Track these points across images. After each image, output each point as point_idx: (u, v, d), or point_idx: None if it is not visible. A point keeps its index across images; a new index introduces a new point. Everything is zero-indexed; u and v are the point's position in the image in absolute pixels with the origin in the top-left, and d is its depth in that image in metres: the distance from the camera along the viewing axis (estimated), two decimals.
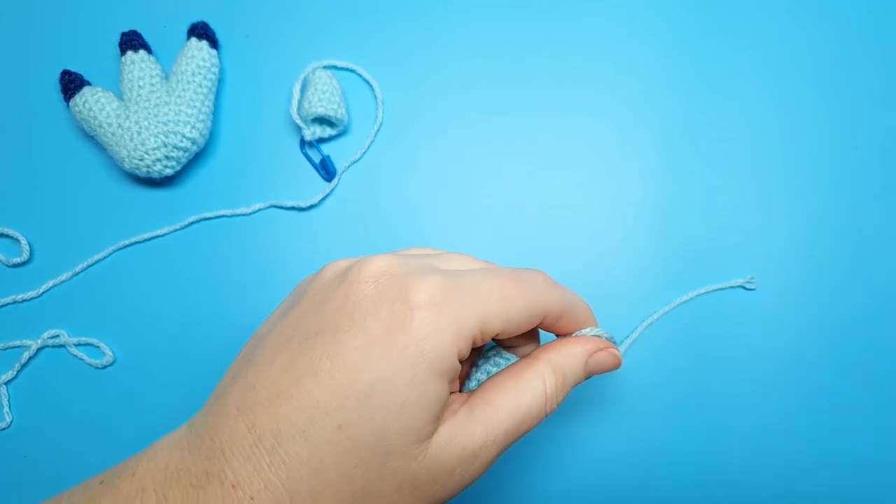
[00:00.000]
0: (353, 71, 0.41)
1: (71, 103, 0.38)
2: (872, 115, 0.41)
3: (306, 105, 0.38)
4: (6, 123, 0.40)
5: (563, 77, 0.41)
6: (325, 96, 0.38)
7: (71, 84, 0.38)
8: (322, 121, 0.40)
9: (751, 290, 0.39)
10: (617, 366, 0.28)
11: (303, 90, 0.39)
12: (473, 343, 0.23)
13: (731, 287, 0.38)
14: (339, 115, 0.39)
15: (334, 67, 0.41)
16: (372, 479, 0.21)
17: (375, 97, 0.41)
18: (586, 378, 0.27)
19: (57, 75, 0.39)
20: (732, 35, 0.42)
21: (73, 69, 0.39)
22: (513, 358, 0.27)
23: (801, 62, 0.42)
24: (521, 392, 0.24)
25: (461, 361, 0.23)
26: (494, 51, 0.41)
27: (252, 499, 0.20)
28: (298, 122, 0.39)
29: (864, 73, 0.41)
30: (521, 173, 0.40)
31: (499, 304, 0.23)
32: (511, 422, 0.24)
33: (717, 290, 0.37)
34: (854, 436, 0.38)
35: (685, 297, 0.36)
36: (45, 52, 0.41)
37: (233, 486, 0.20)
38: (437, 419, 0.22)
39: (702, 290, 0.38)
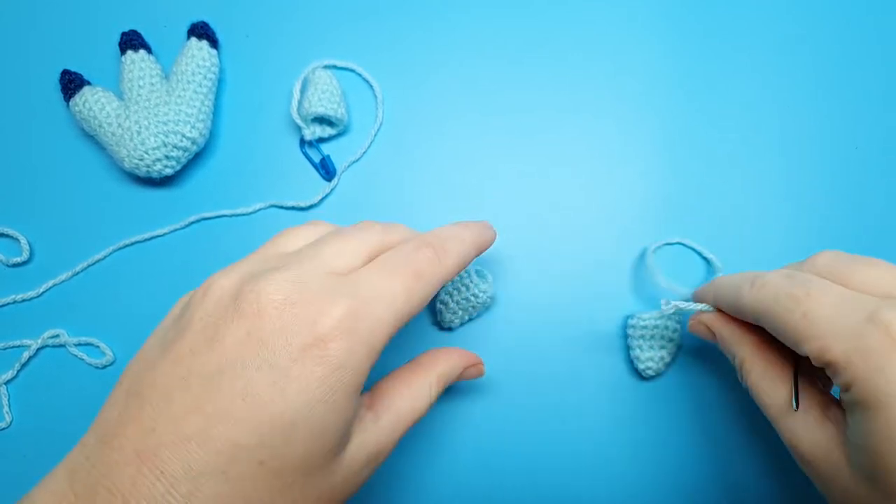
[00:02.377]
0: (353, 71, 0.41)
1: (71, 103, 0.38)
2: (872, 115, 0.41)
3: (306, 105, 0.38)
4: (6, 123, 0.40)
5: (563, 77, 0.41)
6: (325, 96, 0.38)
7: (71, 84, 0.38)
8: (322, 120, 0.40)
9: None
10: (480, 376, 0.32)
11: (303, 90, 0.39)
12: (388, 340, 0.24)
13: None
14: (338, 115, 0.39)
15: (334, 67, 0.41)
16: (295, 500, 0.22)
17: (375, 97, 0.41)
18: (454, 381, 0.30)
19: (57, 75, 0.39)
20: (733, 35, 0.42)
21: (73, 69, 0.39)
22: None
23: (801, 62, 0.42)
24: (416, 398, 0.27)
25: None
26: (495, 51, 0.41)
27: None
28: (298, 121, 0.39)
29: (864, 74, 0.41)
30: (520, 174, 0.40)
31: (403, 304, 0.24)
32: (408, 423, 0.27)
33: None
34: None
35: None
36: (45, 52, 0.41)
37: None
38: (350, 432, 0.24)
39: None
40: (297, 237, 0.28)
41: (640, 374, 0.37)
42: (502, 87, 0.41)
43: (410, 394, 0.27)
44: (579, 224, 0.40)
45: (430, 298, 0.26)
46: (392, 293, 0.24)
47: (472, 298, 0.37)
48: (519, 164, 0.40)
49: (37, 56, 0.41)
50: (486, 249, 0.30)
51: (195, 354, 0.22)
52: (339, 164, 0.40)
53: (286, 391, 0.21)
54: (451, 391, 0.38)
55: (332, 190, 0.40)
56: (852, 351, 0.23)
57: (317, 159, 0.40)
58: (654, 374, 0.37)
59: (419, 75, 0.41)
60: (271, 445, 0.21)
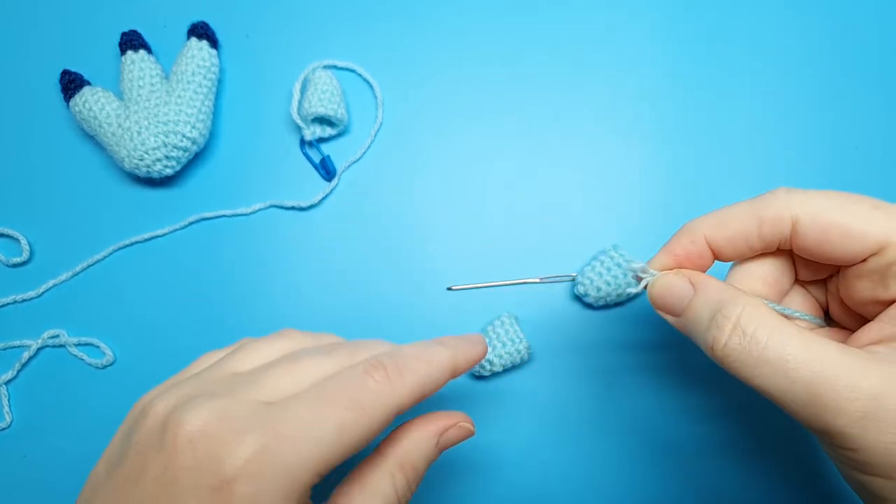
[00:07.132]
0: (353, 71, 0.41)
1: (71, 103, 0.38)
2: (873, 114, 0.41)
3: (306, 105, 0.38)
4: (6, 123, 0.40)
5: (562, 77, 0.41)
6: (325, 96, 0.38)
7: (71, 84, 0.38)
8: (322, 120, 0.40)
9: None
10: (471, 435, 0.27)
11: (303, 90, 0.39)
12: (318, 480, 0.21)
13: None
14: (339, 115, 0.39)
15: (334, 67, 0.41)
16: None
17: (375, 97, 0.41)
18: (439, 454, 0.26)
19: (57, 75, 0.39)
20: (731, 37, 0.42)
21: (73, 69, 0.39)
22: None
23: (801, 63, 0.42)
24: (373, 496, 0.23)
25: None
26: (494, 51, 0.41)
27: None
28: (298, 121, 0.39)
29: (864, 74, 0.41)
30: (520, 173, 0.40)
31: (334, 441, 0.21)
32: None
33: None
34: None
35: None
36: (45, 52, 0.41)
37: None
38: None
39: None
40: (259, 353, 0.25)
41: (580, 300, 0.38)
42: (502, 87, 0.41)
43: (363, 495, 0.23)
44: (578, 223, 0.40)
45: (378, 430, 0.22)
46: (321, 426, 0.21)
47: (515, 353, 0.36)
48: (518, 164, 0.40)
49: (37, 56, 0.41)
50: (468, 370, 0.26)
51: (128, 485, 0.22)
52: (339, 164, 0.40)
53: None
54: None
55: (332, 190, 0.40)
56: None
57: (317, 159, 0.40)
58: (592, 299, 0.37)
59: (419, 75, 0.41)
60: None
